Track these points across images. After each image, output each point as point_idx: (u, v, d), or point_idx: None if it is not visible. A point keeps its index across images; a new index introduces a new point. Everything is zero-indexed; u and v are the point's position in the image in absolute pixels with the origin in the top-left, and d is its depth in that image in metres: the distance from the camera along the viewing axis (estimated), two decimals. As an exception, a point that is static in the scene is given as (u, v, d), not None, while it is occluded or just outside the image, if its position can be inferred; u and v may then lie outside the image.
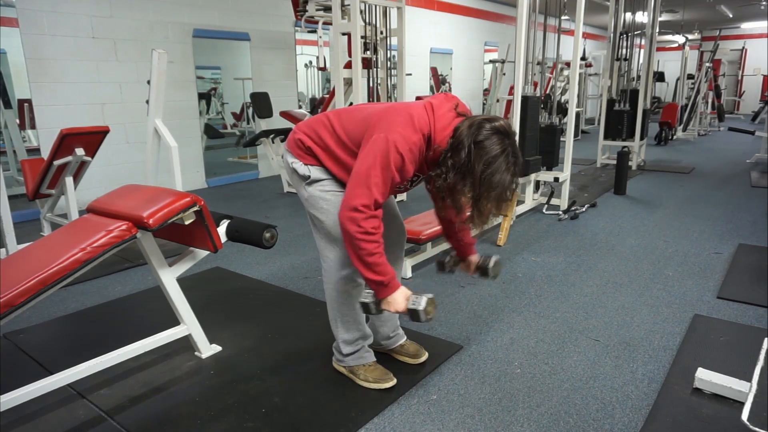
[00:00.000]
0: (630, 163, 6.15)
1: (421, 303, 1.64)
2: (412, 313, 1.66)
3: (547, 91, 6.79)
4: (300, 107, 7.07)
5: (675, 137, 10.08)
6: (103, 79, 5.09)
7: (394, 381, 1.98)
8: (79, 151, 3.50)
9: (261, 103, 6.09)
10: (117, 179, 5.03)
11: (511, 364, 2.15)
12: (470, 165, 1.55)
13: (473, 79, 10.61)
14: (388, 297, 1.66)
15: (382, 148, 1.58)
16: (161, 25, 5.47)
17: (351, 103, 4.65)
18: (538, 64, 4.75)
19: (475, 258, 2.04)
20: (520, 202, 4.53)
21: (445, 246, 3.49)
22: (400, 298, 1.66)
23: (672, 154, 8.23)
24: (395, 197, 2.33)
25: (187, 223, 1.90)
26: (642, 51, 6.99)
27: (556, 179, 4.52)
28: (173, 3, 5.54)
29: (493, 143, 1.55)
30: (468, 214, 1.67)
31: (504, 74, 9.41)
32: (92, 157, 3.63)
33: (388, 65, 4.86)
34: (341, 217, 1.61)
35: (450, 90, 9.82)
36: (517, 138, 1.65)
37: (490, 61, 10.39)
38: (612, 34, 6.74)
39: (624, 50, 6.80)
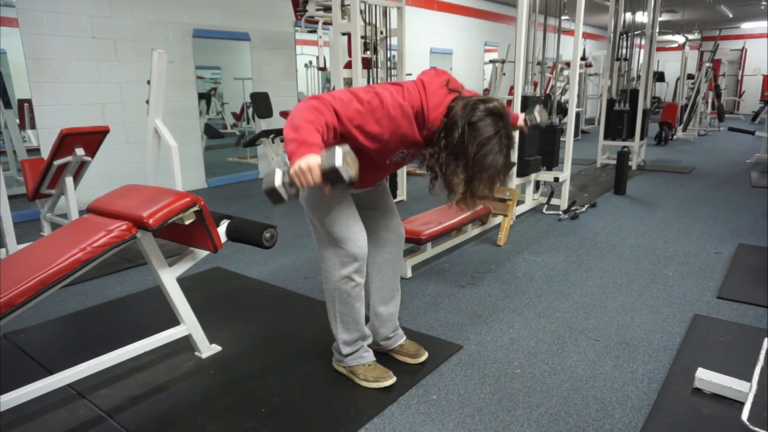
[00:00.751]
0: (630, 163, 6.15)
1: (336, 155, 1.36)
2: (329, 169, 1.36)
3: (547, 91, 6.78)
4: (300, 107, 7.06)
5: (675, 137, 10.08)
6: (103, 79, 5.09)
7: (394, 379, 1.98)
8: (79, 151, 3.50)
9: (261, 103, 6.09)
10: (117, 179, 5.03)
11: (511, 364, 2.15)
12: (463, 146, 1.55)
13: (473, 79, 10.61)
14: (302, 157, 1.38)
15: (367, 90, 1.61)
16: (161, 25, 5.47)
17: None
18: (538, 64, 4.75)
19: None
20: (520, 202, 4.53)
21: (445, 246, 3.49)
22: (313, 159, 1.38)
23: (672, 154, 8.23)
24: (394, 197, 2.32)
25: (187, 223, 1.90)
26: (642, 51, 6.99)
27: (556, 179, 4.52)
28: (173, 3, 5.54)
29: (487, 125, 1.55)
30: (460, 194, 1.66)
31: (504, 74, 9.41)
32: (92, 157, 3.63)
33: (388, 65, 4.86)
34: (297, 106, 1.51)
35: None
36: (516, 134, 1.65)
37: (490, 61, 10.39)
38: (612, 34, 6.74)
39: (624, 50, 6.80)
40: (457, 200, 1.65)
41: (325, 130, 1.47)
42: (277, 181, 1.39)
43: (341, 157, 1.35)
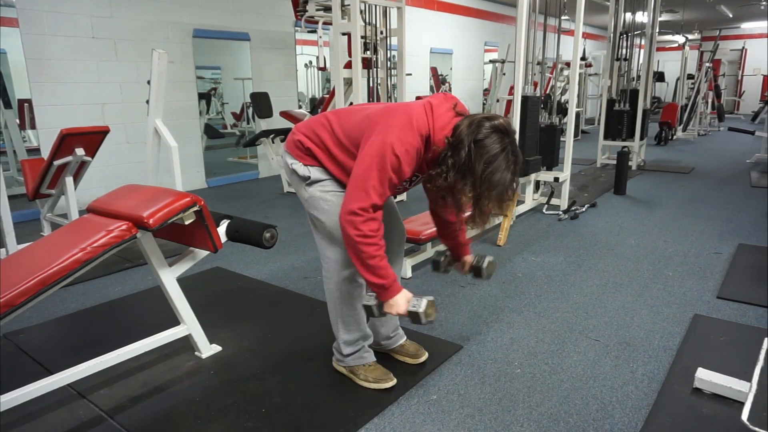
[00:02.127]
0: (630, 163, 6.15)
1: (421, 305, 1.68)
2: (413, 316, 1.69)
3: (547, 91, 6.79)
4: (300, 107, 7.07)
5: (675, 137, 10.08)
6: (103, 79, 5.09)
7: (394, 381, 1.98)
8: (79, 151, 3.49)
9: (261, 103, 6.09)
10: (117, 179, 5.03)
11: (511, 364, 2.15)
12: (470, 164, 1.55)
13: (473, 79, 10.61)
14: (389, 300, 1.69)
15: (379, 151, 1.58)
16: (161, 25, 5.47)
17: (351, 103, 4.65)
18: (538, 64, 4.75)
19: (469, 258, 2.05)
20: (520, 202, 4.53)
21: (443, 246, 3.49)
22: (401, 301, 1.69)
23: (672, 154, 8.23)
24: (395, 197, 2.33)
25: (187, 223, 1.90)
26: (642, 51, 6.99)
27: (556, 179, 4.52)
28: (173, 3, 5.54)
29: (493, 142, 1.55)
30: (469, 213, 1.67)
31: (504, 74, 9.41)
32: (92, 157, 3.63)
33: (388, 65, 4.86)
34: (341, 221, 1.63)
35: (450, 90, 9.83)
36: (516, 137, 1.65)
37: (490, 61, 10.38)
38: (612, 34, 6.74)
39: (624, 50, 6.80)
40: (467, 220, 1.67)
41: (383, 244, 1.65)
42: (377, 312, 1.74)
43: (424, 307, 1.68)
